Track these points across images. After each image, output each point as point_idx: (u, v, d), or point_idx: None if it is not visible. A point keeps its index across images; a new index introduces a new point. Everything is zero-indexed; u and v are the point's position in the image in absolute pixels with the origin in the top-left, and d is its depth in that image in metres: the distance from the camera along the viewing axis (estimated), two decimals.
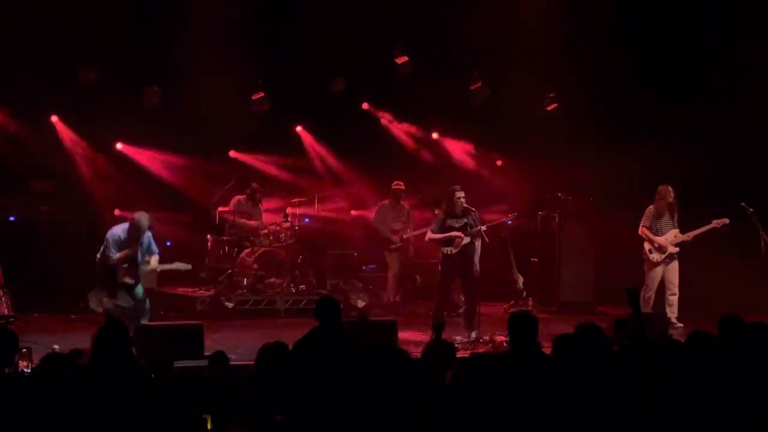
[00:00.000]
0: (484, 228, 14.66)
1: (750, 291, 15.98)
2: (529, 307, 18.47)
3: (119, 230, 13.74)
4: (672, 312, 15.98)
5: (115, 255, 13.56)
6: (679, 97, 18.61)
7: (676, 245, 16.11)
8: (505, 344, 12.40)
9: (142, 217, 13.74)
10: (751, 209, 15.94)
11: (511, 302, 18.29)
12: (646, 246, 16.20)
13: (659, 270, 16.13)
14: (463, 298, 15.76)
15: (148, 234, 13.83)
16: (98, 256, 13.80)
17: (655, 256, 16.13)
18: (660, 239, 16.08)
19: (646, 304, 15.99)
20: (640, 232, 16.23)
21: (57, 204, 18.12)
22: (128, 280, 13.64)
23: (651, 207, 16.27)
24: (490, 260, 16.24)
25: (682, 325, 15.51)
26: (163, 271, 14.32)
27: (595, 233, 18.93)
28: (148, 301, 13.94)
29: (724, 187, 17.20)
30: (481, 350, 13.24)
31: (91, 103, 17.55)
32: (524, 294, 18.44)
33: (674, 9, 18.28)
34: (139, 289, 13.75)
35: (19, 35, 16.51)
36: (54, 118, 18.29)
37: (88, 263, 14.56)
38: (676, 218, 16.20)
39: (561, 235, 18.92)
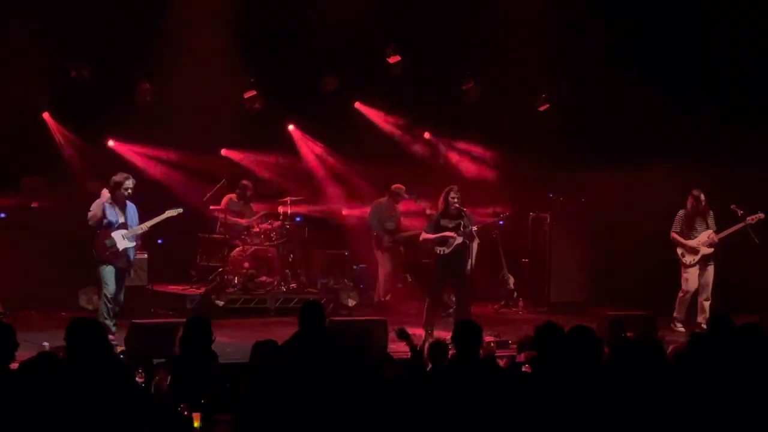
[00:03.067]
0: (475, 229, 14.67)
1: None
2: (519, 308, 18.53)
3: (106, 197, 13.82)
4: (703, 317, 15.93)
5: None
6: (673, 96, 18.58)
7: (709, 246, 16.08)
8: (492, 345, 12.42)
9: (119, 175, 13.76)
10: (742, 211, 15.96)
11: (502, 302, 18.33)
12: (678, 250, 16.15)
13: (694, 272, 16.09)
14: (453, 298, 15.78)
15: (132, 206, 13.85)
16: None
17: (688, 259, 16.09)
18: (690, 242, 16.06)
19: (681, 305, 16.02)
20: (671, 237, 16.22)
21: (48, 201, 18.09)
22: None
23: (681, 211, 16.25)
24: (480, 261, 16.25)
25: None
26: (155, 262, 14.29)
27: (586, 234, 18.93)
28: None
29: (719, 189, 17.14)
30: None
31: (83, 100, 17.53)
32: (515, 294, 18.49)
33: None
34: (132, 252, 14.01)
35: (11, 31, 16.46)
36: (46, 115, 18.27)
37: (79, 260, 14.55)
38: (709, 220, 16.16)
39: (552, 235, 18.91)
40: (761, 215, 15.92)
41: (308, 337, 9.25)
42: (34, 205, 18.03)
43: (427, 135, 20.84)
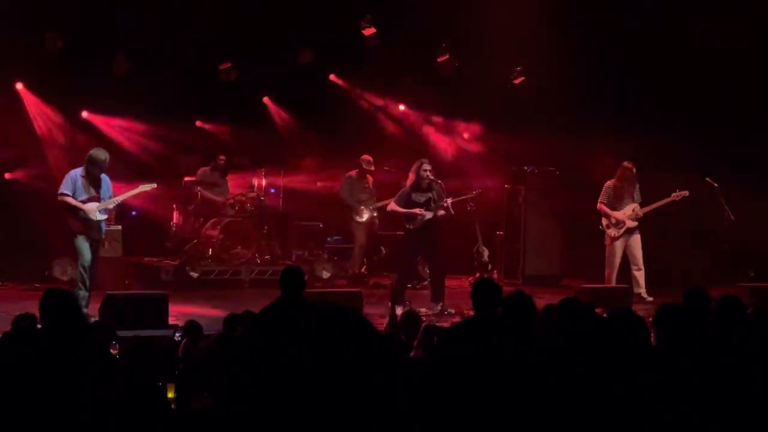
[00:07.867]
0: (449, 201, 14.65)
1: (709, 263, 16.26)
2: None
3: (79, 170, 13.59)
4: (639, 287, 15.90)
5: (73, 201, 13.42)
6: (645, 69, 18.64)
7: (634, 220, 16.02)
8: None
9: (98, 152, 13.60)
10: (716, 184, 16.01)
11: (477, 275, 18.31)
12: (604, 221, 16.04)
13: (618, 246, 15.98)
14: (427, 271, 15.79)
15: (107, 179, 13.72)
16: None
17: (612, 232, 15.95)
18: (617, 214, 15.90)
19: (608, 282, 15.96)
20: (598, 207, 16.09)
21: (21, 172, 18.01)
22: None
23: (610, 182, 16.08)
24: (455, 233, 16.27)
25: (651, 299, 15.40)
26: (129, 234, 14.14)
27: (561, 207, 18.96)
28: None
29: (690, 161, 17.18)
30: (446, 323, 13.26)
31: (57, 71, 17.41)
32: (489, 267, 18.51)
33: None
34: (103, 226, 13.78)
35: None
36: (19, 86, 18.15)
37: (52, 232, 14.50)
38: (636, 193, 16.10)
39: (526, 208, 18.96)
40: (686, 192, 15.87)
41: (289, 303, 9.15)
42: (6, 176, 17.95)
43: (401, 107, 20.82)
